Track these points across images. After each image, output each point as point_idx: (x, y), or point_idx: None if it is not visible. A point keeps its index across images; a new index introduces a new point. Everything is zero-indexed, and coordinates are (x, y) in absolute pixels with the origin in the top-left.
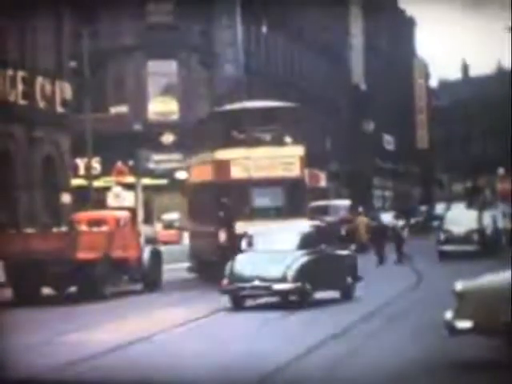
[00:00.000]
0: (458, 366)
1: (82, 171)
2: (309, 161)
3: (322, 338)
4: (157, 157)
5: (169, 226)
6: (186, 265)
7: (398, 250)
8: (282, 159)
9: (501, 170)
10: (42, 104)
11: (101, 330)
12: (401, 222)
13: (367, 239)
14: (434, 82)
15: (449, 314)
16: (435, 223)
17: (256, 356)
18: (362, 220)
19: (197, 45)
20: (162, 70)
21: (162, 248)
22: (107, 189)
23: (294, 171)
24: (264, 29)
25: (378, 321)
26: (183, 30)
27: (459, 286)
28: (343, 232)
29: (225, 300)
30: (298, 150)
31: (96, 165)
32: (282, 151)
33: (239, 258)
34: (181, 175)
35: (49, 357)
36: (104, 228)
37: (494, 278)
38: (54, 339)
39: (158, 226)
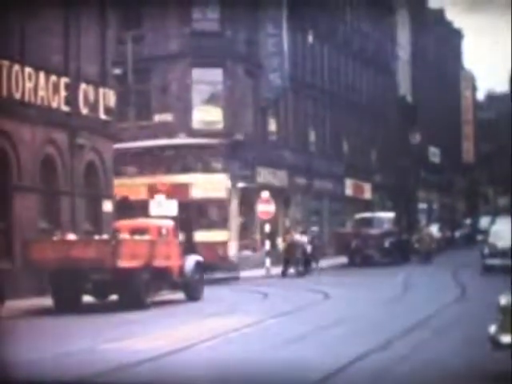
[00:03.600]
0: None
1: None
2: (354, 172)
3: None
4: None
5: None
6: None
7: (305, 263)
8: (223, 184)
9: None
10: (85, 111)
11: (142, 339)
12: (305, 238)
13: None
14: (480, 95)
15: (493, 328)
16: (480, 236)
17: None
18: (427, 231)
19: (242, 53)
20: (206, 78)
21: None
22: (150, 197)
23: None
24: (310, 38)
25: None
26: (229, 38)
27: (503, 299)
28: (387, 244)
29: None
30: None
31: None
32: (221, 177)
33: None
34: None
35: (89, 365)
36: (146, 237)
37: None
38: (94, 347)
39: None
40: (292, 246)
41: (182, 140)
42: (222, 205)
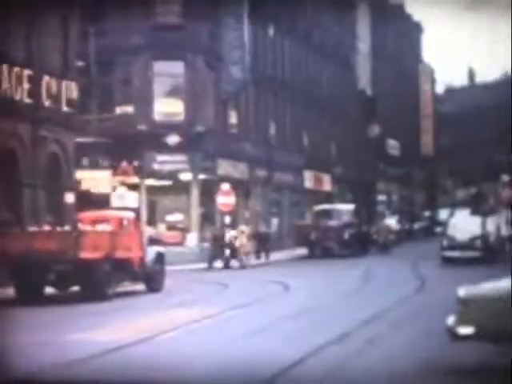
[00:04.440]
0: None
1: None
2: (314, 164)
3: None
4: (161, 158)
5: (172, 227)
6: (190, 266)
7: (232, 255)
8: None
9: (505, 177)
10: (47, 103)
11: (103, 330)
12: (233, 232)
13: (390, 241)
14: (440, 88)
15: (451, 320)
16: (438, 229)
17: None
18: (385, 223)
19: (204, 46)
20: (168, 71)
21: (166, 249)
22: (111, 189)
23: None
24: (271, 32)
25: None
26: (190, 31)
27: (462, 291)
28: (346, 236)
29: None
30: None
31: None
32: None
33: None
34: (185, 176)
35: (50, 356)
36: (107, 228)
37: (499, 284)
38: (55, 339)
39: (162, 227)
40: (216, 240)
41: None
42: (107, 200)
